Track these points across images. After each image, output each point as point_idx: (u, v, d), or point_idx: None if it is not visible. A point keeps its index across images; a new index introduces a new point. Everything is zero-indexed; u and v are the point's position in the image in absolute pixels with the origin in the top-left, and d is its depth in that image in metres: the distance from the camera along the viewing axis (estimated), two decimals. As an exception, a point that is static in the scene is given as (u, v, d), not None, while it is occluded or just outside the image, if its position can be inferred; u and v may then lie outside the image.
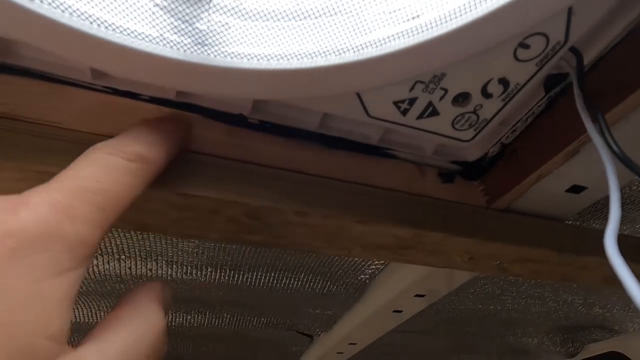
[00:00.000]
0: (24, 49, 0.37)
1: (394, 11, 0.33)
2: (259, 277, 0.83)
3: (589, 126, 0.33)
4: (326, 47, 0.35)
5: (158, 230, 0.43)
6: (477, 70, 0.36)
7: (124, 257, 0.73)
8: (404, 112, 0.41)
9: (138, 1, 0.31)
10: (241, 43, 0.36)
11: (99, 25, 0.31)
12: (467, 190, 0.54)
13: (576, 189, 0.50)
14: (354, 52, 0.33)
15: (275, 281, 0.85)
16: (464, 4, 0.29)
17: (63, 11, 0.29)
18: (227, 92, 0.37)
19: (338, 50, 0.34)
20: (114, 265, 0.75)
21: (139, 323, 0.25)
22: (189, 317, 1.05)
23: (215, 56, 0.33)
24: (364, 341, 1.12)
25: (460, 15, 0.29)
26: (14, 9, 0.28)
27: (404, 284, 0.78)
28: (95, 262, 0.74)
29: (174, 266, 0.76)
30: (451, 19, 0.29)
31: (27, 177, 0.35)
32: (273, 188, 0.42)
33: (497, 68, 0.36)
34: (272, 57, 0.35)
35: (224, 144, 0.43)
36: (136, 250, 0.71)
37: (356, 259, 0.79)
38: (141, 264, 0.75)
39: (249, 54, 0.35)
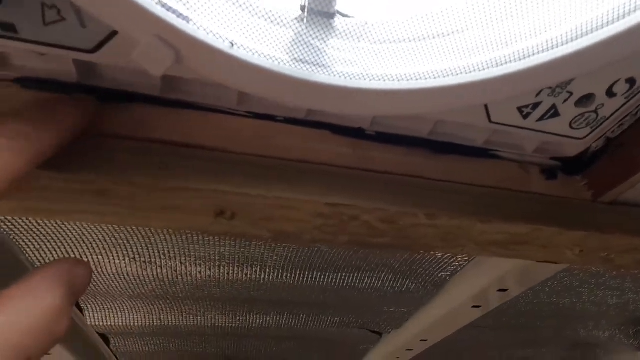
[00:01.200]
0: (186, 84, 0.43)
1: (534, 21, 0.35)
2: (343, 277, 0.87)
3: None
4: (466, 64, 0.38)
5: (294, 238, 0.48)
6: (607, 73, 0.38)
7: (224, 263, 0.79)
8: (526, 116, 0.43)
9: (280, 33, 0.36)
10: (382, 65, 0.40)
11: (254, 54, 0.35)
12: (570, 185, 0.55)
13: (690, 180, 0.51)
14: (496, 66, 0.36)
15: (358, 281, 0.89)
16: (613, 11, 0.32)
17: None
18: (369, 113, 0.41)
19: (478, 66, 0.37)
20: (214, 271, 0.81)
21: (27, 302, 0.24)
22: (267, 318, 1.10)
23: (365, 79, 0.37)
24: (436, 337, 1.14)
25: (612, 23, 0.31)
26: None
27: (489, 279, 0.80)
28: (197, 269, 0.81)
29: (268, 270, 0.82)
30: (601, 27, 0.32)
31: (205, 196, 0.40)
32: (400, 194, 0.46)
33: (627, 69, 0.38)
34: (416, 77, 0.38)
35: (352, 155, 0.47)
36: (237, 256, 0.76)
37: (439, 256, 0.81)
38: (238, 269, 0.81)
39: (393, 75, 0.39)
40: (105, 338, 1.18)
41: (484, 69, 0.37)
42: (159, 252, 0.75)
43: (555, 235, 0.50)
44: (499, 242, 0.50)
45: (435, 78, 0.39)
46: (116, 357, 1.35)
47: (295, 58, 0.37)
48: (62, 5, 0.31)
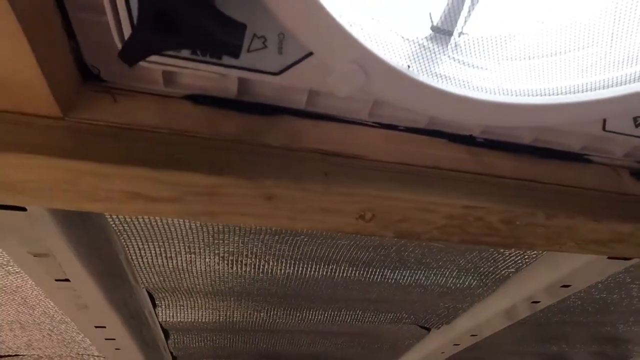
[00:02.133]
0: (325, 99, 0.47)
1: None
2: (410, 274, 0.92)
3: None
4: (585, 82, 0.42)
5: (420, 236, 0.52)
6: None
7: (282, 260, 0.83)
8: (638, 125, 0.48)
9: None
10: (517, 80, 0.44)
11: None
12: (658, 186, 0.59)
13: None
14: (618, 85, 0.41)
15: (423, 278, 0.93)
16: None
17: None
18: (506, 123, 0.45)
19: (598, 84, 0.42)
20: (271, 267, 0.85)
21: None
22: (324, 314, 1.15)
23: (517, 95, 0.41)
24: (486, 332, 1.18)
25: None
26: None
27: (556, 275, 0.84)
28: (278, 266, 0.86)
29: (324, 265, 0.86)
30: None
31: (356, 200, 0.45)
32: (518, 196, 0.50)
33: None
34: (541, 93, 0.42)
35: (469, 161, 0.52)
36: (291, 253, 0.81)
37: (507, 253, 0.85)
38: (293, 265, 0.85)
39: (530, 90, 0.43)
40: (166, 334, 1.23)
41: (605, 87, 0.41)
42: (247, 251, 0.80)
43: (631, 230, 0.54)
44: (601, 240, 0.55)
45: (561, 94, 0.43)
46: (171, 353, 1.40)
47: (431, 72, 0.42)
48: (269, 36, 0.36)
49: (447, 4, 0.45)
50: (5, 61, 0.33)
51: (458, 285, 0.98)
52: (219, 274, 0.86)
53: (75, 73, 0.41)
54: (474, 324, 1.14)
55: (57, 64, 0.37)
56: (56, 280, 0.73)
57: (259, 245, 0.78)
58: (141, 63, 0.36)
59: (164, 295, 0.96)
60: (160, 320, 1.08)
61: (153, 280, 0.87)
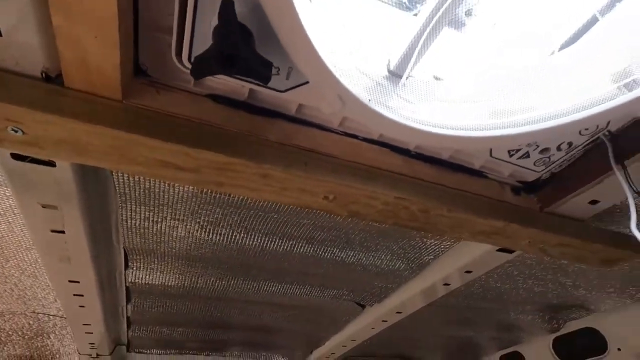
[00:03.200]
0: (309, 109, 0.66)
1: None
2: (353, 255, 1.13)
3: (618, 171, 0.65)
4: (479, 124, 0.65)
5: (365, 217, 0.72)
6: (558, 137, 0.68)
7: (252, 233, 1.01)
8: (511, 155, 0.72)
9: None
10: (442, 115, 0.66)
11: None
12: (528, 199, 0.86)
13: (594, 202, 0.83)
14: (506, 128, 0.64)
15: (364, 258, 1.15)
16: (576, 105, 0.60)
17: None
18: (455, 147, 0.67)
19: (493, 126, 0.65)
20: (242, 238, 1.02)
21: None
22: (272, 286, 1.33)
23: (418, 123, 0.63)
24: (409, 310, 1.44)
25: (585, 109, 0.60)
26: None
27: (461, 262, 1.10)
28: (249, 239, 1.02)
29: (286, 240, 1.04)
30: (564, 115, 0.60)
31: (323, 185, 0.64)
32: (432, 195, 0.73)
33: (568, 137, 0.68)
34: (448, 127, 0.65)
35: (404, 166, 0.73)
36: (260, 227, 0.99)
37: (429, 242, 1.09)
38: (260, 238, 1.03)
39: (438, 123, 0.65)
40: (128, 298, 1.33)
41: (498, 129, 0.64)
42: (224, 222, 0.95)
43: (518, 230, 0.80)
44: (485, 232, 0.79)
45: (461, 130, 0.66)
46: (128, 318, 1.49)
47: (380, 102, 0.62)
48: (282, 67, 0.54)
49: (402, 54, 0.66)
50: (99, 53, 0.47)
51: (390, 267, 1.22)
52: (195, 240, 1.01)
53: (132, 68, 0.55)
54: (400, 302, 1.39)
55: (125, 61, 0.52)
56: (52, 231, 0.83)
57: (235, 218, 0.94)
58: (180, 66, 0.52)
59: (138, 257, 1.08)
60: (129, 281, 1.19)
61: (135, 241, 0.99)
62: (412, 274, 1.27)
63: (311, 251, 1.10)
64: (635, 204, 0.66)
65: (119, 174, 0.75)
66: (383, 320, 1.55)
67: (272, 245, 1.06)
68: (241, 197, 0.85)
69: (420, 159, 0.76)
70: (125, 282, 1.21)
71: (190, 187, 0.81)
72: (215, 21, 0.46)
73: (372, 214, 0.72)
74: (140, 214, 0.89)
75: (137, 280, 1.19)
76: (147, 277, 1.18)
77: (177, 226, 0.95)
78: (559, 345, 2.00)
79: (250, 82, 0.57)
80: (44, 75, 0.51)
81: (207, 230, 0.97)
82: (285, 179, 0.61)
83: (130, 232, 0.96)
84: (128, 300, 1.35)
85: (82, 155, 0.54)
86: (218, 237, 1.00)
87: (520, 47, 0.70)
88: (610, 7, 0.66)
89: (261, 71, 0.45)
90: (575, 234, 0.86)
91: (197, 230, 0.97)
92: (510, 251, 1.01)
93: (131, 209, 0.87)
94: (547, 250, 0.89)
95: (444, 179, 0.76)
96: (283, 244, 1.05)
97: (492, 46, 0.71)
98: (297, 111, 0.65)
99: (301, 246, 1.07)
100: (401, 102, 0.65)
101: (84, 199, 0.75)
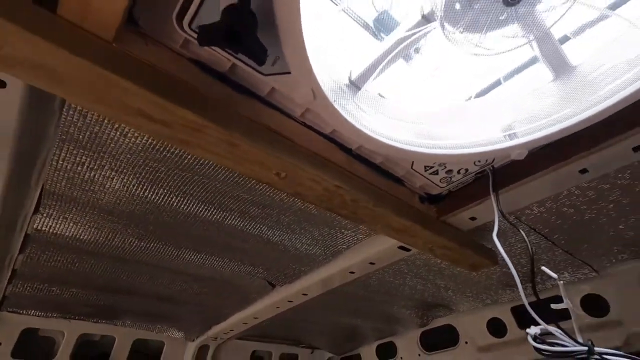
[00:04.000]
0: (279, 95, 0.75)
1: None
2: (278, 234, 1.24)
3: (492, 197, 0.89)
4: (411, 140, 0.83)
5: (306, 197, 0.84)
6: (460, 164, 0.89)
7: (189, 198, 1.05)
8: (426, 170, 0.92)
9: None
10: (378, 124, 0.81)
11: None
12: (429, 208, 1.08)
13: (473, 218, 1.09)
14: (428, 148, 0.82)
15: (287, 239, 1.27)
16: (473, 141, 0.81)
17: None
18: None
19: (418, 145, 0.83)
20: (177, 201, 1.06)
21: None
22: (198, 257, 1.36)
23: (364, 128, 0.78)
24: (315, 292, 1.60)
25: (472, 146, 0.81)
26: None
27: (368, 253, 1.29)
28: (178, 201, 1.05)
29: (221, 211, 1.11)
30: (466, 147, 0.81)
31: (281, 164, 0.73)
32: (362, 189, 0.88)
33: (466, 164, 0.90)
34: (384, 137, 0.81)
35: (345, 162, 0.87)
36: (199, 194, 1.04)
37: (346, 234, 1.26)
38: (196, 204, 1.08)
39: (377, 131, 0.80)
40: (23, 246, 1.20)
41: (420, 147, 0.82)
42: (164, 182, 0.97)
43: (419, 230, 1.00)
44: (395, 228, 0.98)
45: (393, 141, 0.83)
46: (14, 270, 1.33)
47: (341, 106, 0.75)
48: (270, 54, 0.62)
49: (362, 70, 0.79)
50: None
51: (308, 252, 1.36)
52: (129, 195, 0.99)
53: (126, 16, 0.57)
54: (308, 284, 1.54)
55: (123, 6, 0.54)
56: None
57: (177, 181, 0.96)
58: (177, 28, 0.57)
59: (55, 203, 1.01)
60: (33, 227, 1.09)
61: (59, 185, 0.94)
62: (325, 260, 1.42)
63: (241, 225, 1.17)
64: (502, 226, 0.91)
65: (70, 112, 0.73)
66: (289, 301, 1.68)
67: (205, 214, 1.10)
68: (189, 160, 0.89)
69: (358, 159, 0.91)
70: (28, 229, 1.11)
71: (143, 140, 0.82)
72: (224, 2, 0.52)
73: (312, 196, 0.84)
74: (76, 157, 0.85)
75: (43, 228, 1.10)
76: (58, 226, 1.10)
77: (114, 177, 0.93)
78: (424, 338, 2.40)
79: (237, 58, 0.64)
80: (35, -4, 0.50)
81: (145, 187, 0.97)
82: (249, 151, 0.69)
83: (56, 175, 0.90)
84: (22, 249, 1.22)
85: (55, 84, 0.54)
86: (154, 197, 1.01)
87: (449, 88, 0.90)
88: (510, 75, 0.90)
89: (259, 54, 0.53)
90: (456, 241, 1.10)
91: (134, 186, 0.96)
92: (408, 250, 1.23)
93: (68, 151, 0.83)
94: (434, 250, 1.12)
95: (374, 179, 0.92)
96: (217, 214, 1.10)
97: (429, 82, 0.90)
98: (268, 94, 0.74)
99: (233, 219, 1.14)
100: (355, 108, 0.79)
101: (21, 129, 0.71)
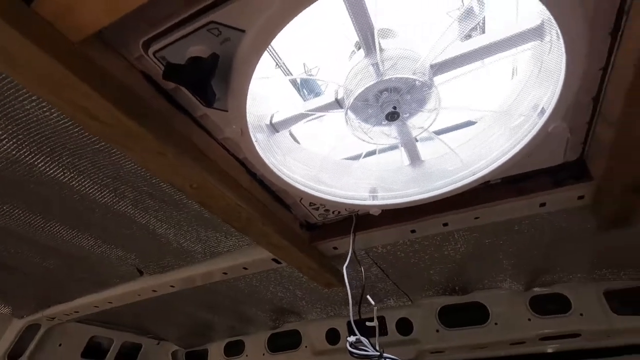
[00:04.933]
0: (207, 120, 0.88)
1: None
2: (160, 225, 1.30)
3: (351, 236, 1.18)
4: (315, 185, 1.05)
5: (211, 207, 0.97)
6: (334, 207, 1.16)
7: (83, 176, 1.07)
8: (310, 205, 1.15)
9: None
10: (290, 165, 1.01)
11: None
12: (304, 234, 1.32)
13: (335, 248, 1.37)
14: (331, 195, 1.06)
15: (171, 234, 1.34)
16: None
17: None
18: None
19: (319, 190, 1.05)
20: (70, 178, 1.06)
21: None
22: (68, 232, 1.30)
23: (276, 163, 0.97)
24: (184, 286, 1.67)
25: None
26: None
27: (244, 259, 1.46)
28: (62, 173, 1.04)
29: (112, 194, 1.14)
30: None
31: (197, 177, 0.86)
32: (257, 209, 1.06)
33: (338, 208, 1.17)
34: (293, 179, 1.02)
35: (248, 183, 1.04)
36: (95, 176, 1.07)
37: (229, 238, 1.40)
38: (89, 184, 1.10)
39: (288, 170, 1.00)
40: None
41: (308, 188, 1.05)
42: (63, 158, 0.95)
43: (293, 250, 1.22)
44: (275, 244, 1.18)
45: (289, 178, 1.04)
46: None
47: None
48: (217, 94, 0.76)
49: (282, 118, 0.98)
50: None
51: (189, 248, 1.44)
52: (15, 161, 0.94)
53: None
54: (179, 277, 1.60)
55: (104, 23, 0.61)
56: None
57: (75, 159, 0.96)
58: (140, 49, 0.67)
59: None
60: None
61: None
62: (203, 258, 1.52)
63: (131, 213, 1.19)
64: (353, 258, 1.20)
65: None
66: (153, 290, 1.70)
67: (96, 195, 1.10)
68: (99, 143, 0.91)
69: (260, 183, 1.09)
70: None
71: (55, 114, 0.82)
72: (193, 50, 0.65)
73: (215, 208, 0.98)
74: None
75: None
76: None
77: (5, 139, 0.88)
78: (272, 339, 2.65)
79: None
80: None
81: (37, 157, 0.94)
82: (174, 163, 0.79)
83: None
84: None
85: (9, 67, 0.57)
86: (45, 168, 0.97)
87: (344, 147, 1.16)
88: (384, 150, 1.22)
89: (210, 99, 0.66)
90: (319, 262, 1.37)
91: (26, 154, 0.92)
92: (280, 262, 1.45)
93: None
94: (301, 267, 1.36)
95: (268, 202, 1.11)
96: (109, 198, 1.11)
97: (332, 139, 1.14)
98: (202, 117, 0.86)
99: (125, 205, 1.16)
100: (268, 146, 0.97)
101: None
